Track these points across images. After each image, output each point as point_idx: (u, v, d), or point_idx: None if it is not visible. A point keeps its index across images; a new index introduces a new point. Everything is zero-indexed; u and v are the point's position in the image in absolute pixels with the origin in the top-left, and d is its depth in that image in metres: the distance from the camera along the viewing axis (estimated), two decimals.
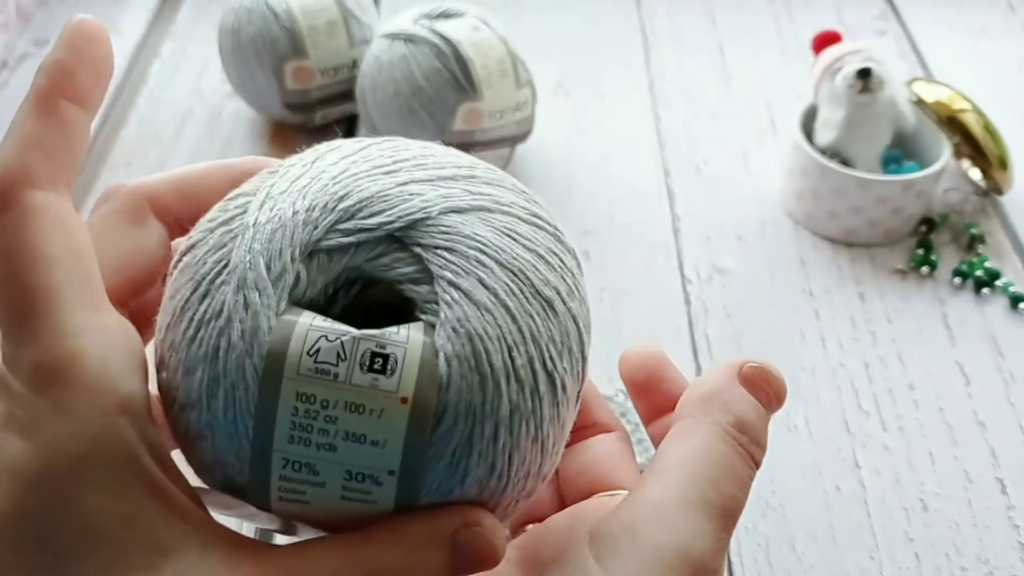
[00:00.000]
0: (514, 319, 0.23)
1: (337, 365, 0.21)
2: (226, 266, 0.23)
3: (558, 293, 0.25)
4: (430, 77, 0.63)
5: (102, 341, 0.23)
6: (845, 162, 0.66)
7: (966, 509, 0.51)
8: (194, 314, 0.23)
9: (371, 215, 0.23)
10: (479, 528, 0.24)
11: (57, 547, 0.21)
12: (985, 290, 0.63)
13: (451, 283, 0.22)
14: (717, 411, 0.29)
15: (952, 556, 0.49)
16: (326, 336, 0.21)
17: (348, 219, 0.23)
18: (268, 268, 0.22)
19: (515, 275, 0.23)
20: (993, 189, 0.69)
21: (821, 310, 0.62)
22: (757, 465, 0.29)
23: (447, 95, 0.63)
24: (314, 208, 0.23)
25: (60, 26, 0.24)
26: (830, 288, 0.63)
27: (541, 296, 0.24)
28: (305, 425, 0.21)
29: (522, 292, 0.23)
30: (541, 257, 0.24)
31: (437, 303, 0.22)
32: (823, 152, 0.66)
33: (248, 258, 0.22)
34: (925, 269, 0.64)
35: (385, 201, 0.23)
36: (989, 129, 0.66)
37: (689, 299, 0.62)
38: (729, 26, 0.88)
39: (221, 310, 0.22)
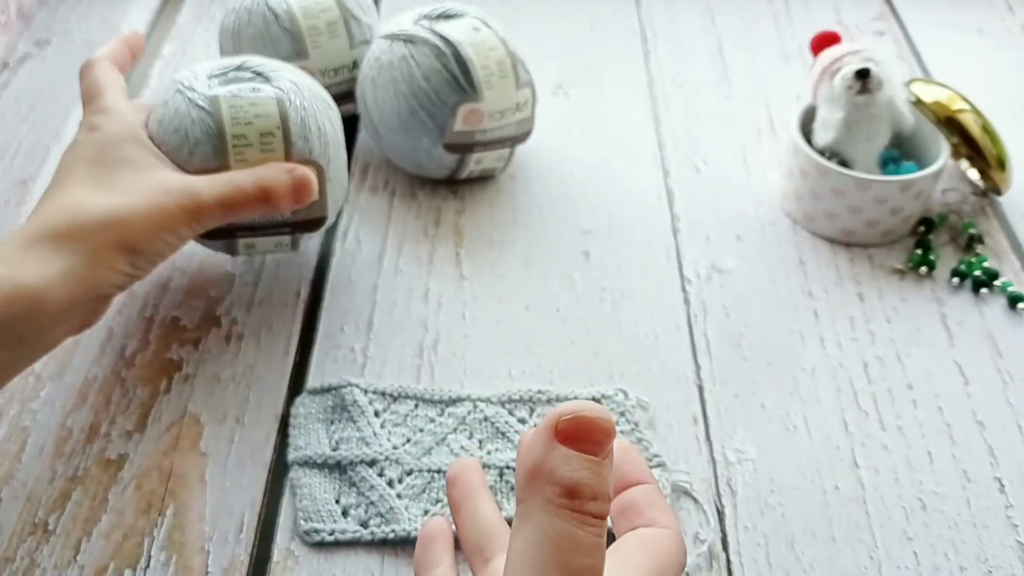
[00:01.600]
0: None
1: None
2: None
3: None
4: (430, 78, 0.64)
5: (126, 104, 0.56)
6: (843, 163, 0.66)
7: (965, 508, 0.51)
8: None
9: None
10: (306, 174, 0.54)
11: (108, 163, 0.52)
12: (983, 290, 0.63)
13: None
14: (544, 485, 0.29)
15: (951, 555, 0.49)
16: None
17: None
18: None
19: None
20: (991, 189, 0.69)
21: (820, 310, 0.62)
22: (602, 515, 0.29)
23: (447, 96, 0.64)
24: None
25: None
26: (829, 288, 0.63)
27: None
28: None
29: None
30: None
31: None
32: (822, 153, 0.66)
33: None
34: (924, 269, 0.64)
35: None
36: (987, 129, 0.66)
37: (688, 299, 0.63)
38: (728, 27, 0.88)
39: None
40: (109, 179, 0.51)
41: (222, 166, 0.54)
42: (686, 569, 0.48)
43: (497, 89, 0.64)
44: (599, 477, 0.29)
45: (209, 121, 0.54)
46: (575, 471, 0.28)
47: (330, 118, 0.58)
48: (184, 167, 0.54)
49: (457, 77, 0.63)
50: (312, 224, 0.59)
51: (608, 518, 0.31)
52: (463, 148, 0.66)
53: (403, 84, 0.64)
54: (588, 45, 0.86)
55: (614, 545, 0.35)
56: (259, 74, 0.57)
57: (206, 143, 0.54)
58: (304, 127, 0.55)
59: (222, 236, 0.58)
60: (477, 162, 0.68)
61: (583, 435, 0.29)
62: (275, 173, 0.53)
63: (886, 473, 0.53)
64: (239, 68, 0.57)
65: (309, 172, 0.54)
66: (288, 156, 0.55)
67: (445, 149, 0.66)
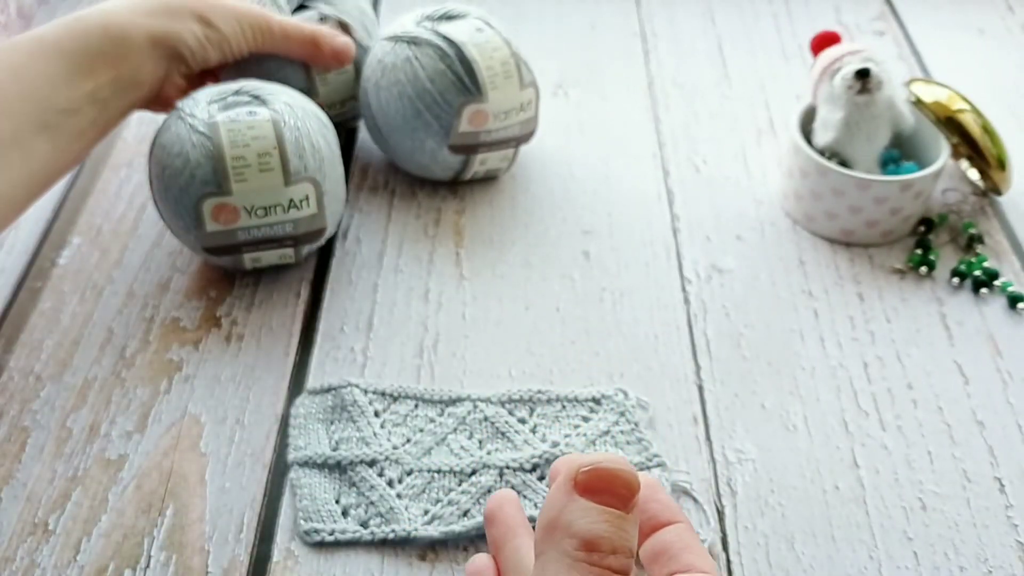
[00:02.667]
0: None
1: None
2: None
3: None
4: (435, 79, 0.63)
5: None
6: (843, 163, 0.66)
7: (965, 508, 0.51)
8: None
9: None
10: (347, 42, 0.65)
11: None
12: (983, 290, 0.63)
13: None
14: (562, 538, 0.28)
15: (951, 555, 0.49)
16: None
17: None
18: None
19: None
20: (991, 189, 0.69)
21: (820, 310, 0.62)
22: (623, 571, 0.28)
23: (452, 97, 0.63)
24: None
25: None
26: (829, 288, 0.63)
27: None
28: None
29: None
30: None
31: None
32: (822, 153, 0.66)
33: None
34: (924, 269, 0.64)
35: None
36: (987, 129, 0.66)
37: (688, 299, 0.63)
38: (728, 27, 0.88)
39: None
40: None
41: (223, 188, 0.56)
42: None
43: (501, 89, 0.64)
44: (620, 531, 0.28)
45: (209, 145, 0.56)
46: (594, 523, 0.28)
47: (324, 135, 0.60)
48: (186, 189, 0.57)
49: (462, 78, 0.63)
50: (313, 236, 0.61)
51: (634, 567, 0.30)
52: (468, 149, 0.66)
53: (407, 86, 0.64)
54: (588, 45, 0.86)
55: None
56: (256, 97, 0.60)
57: (207, 165, 0.56)
58: (299, 146, 0.58)
59: (229, 252, 0.60)
60: (482, 163, 0.68)
61: (604, 487, 0.28)
62: (327, 30, 0.66)
63: (886, 473, 0.53)
64: (237, 92, 0.60)
65: (349, 40, 0.66)
66: (285, 174, 0.57)
67: (450, 150, 0.66)
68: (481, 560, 0.39)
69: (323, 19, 0.67)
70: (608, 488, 0.28)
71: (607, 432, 0.54)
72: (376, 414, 0.55)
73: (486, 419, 0.55)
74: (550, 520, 0.28)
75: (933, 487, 0.52)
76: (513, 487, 0.52)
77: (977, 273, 0.64)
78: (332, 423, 0.55)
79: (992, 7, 0.91)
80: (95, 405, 0.56)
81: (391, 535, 0.49)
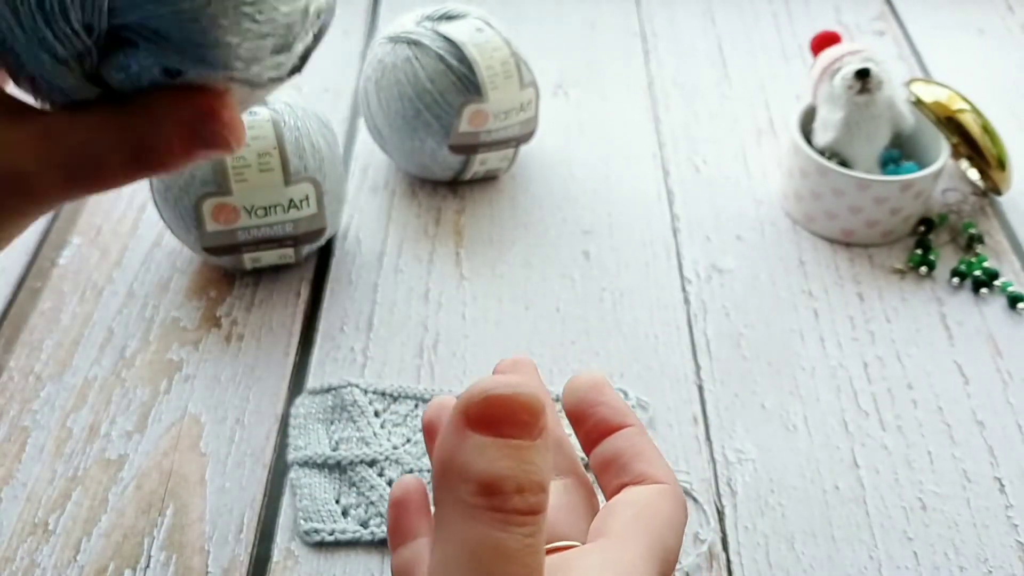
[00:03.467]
0: None
1: None
2: None
3: None
4: (435, 79, 0.63)
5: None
6: (843, 163, 0.66)
7: (965, 508, 0.51)
8: None
9: None
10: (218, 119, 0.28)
11: None
12: (983, 290, 0.63)
13: None
14: (457, 483, 0.24)
15: (951, 555, 0.49)
16: None
17: None
18: None
19: None
20: (991, 189, 0.69)
21: (820, 310, 0.62)
22: (534, 510, 0.24)
23: (452, 97, 0.63)
24: None
25: None
26: (829, 288, 0.63)
27: None
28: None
29: None
30: None
31: None
32: (822, 153, 0.66)
33: None
34: (924, 269, 0.64)
35: None
36: (987, 129, 0.66)
37: (688, 299, 0.63)
38: (728, 27, 0.88)
39: None
40: None
41: (223, 188, 0.56)
42: (686, 570, 0.48)
43: (502, 90, 0.64)
44: (525, 465, 0.23)
45: None
46: (492, 462, 0.23)
47: (324, 136, 0.60)
48: (187, 189, 0.56)
49: (462, 78, 0.63)
50: (313, 236, 0.61)
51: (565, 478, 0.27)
52: (468, 149, 0.66)
53: (408, 86, 0.64)
54: (588, 45, 0.86)
55: (600, 517, 0.29)
56: None
57: (207, 165, 0.56)
58: (299, 146, 0.58)
59: (229, 252, 0.60)
60: (482, 163, 0.68)
61: (500, 417, 0.23)
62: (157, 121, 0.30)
63: (886, 473, 0.53)
64: None
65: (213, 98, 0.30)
66: (285, 174, 0.57)
67: (450, 150, 0.66)
68: (407, 482, 0.35)
69: None
70: (507, 417, 0.23)
71: None
72: (376, 414, 0.55)
73: None
74: (442, 463, 0.24)
75: (933, 487, 0.52)
76: None
77: (977, 273, 0.64)
78: (332, 423, 0.55)
79: (992, 7, 0.91)
80: (95, 405, 0.56)
81: None
